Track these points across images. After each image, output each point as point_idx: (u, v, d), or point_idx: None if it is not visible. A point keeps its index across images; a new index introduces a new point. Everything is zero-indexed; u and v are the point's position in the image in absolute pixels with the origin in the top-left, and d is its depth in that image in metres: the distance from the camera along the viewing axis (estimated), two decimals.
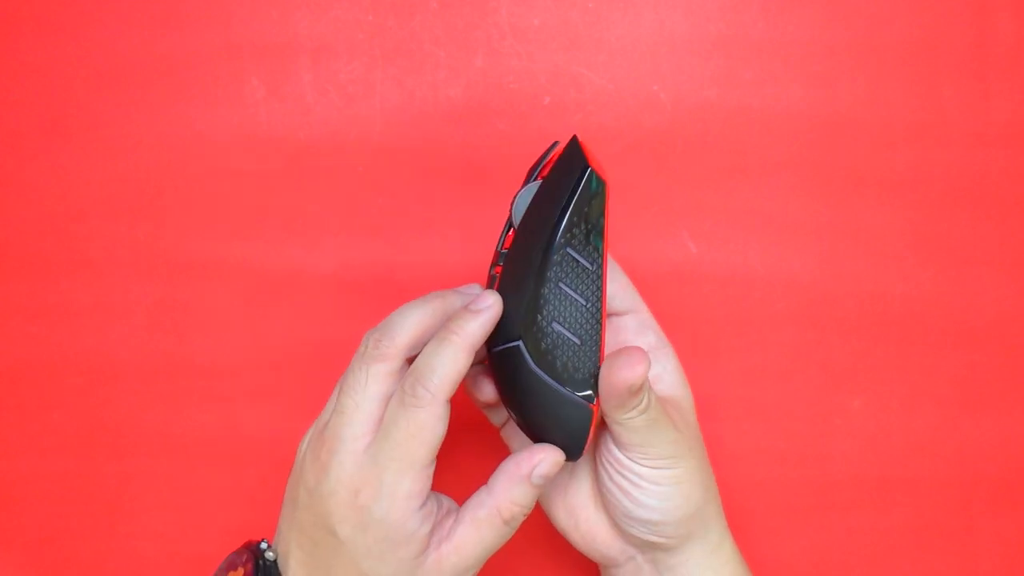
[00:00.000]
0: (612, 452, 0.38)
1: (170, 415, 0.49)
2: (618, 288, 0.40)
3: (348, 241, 0.49)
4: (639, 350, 0.35)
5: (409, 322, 0.36)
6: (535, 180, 0.37)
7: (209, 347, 0.49)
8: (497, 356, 0.37)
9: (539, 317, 0.35)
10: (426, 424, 0.34)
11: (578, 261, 0.36)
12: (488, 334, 0.36)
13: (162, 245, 0.49)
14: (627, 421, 0.36)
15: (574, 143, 0.37)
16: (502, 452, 0.40)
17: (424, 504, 0.35)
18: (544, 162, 0.38)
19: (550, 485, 0.41)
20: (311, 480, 0.36)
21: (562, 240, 0.35)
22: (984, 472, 0.49)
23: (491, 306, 0.35)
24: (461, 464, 0.44)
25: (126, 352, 0.49)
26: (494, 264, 0.38)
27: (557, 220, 0.35)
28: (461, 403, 0.42)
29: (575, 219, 0.35)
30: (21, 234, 0.50)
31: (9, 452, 0.50)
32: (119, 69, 0.49)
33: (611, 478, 0.38)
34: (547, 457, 0.36)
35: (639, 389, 0.35)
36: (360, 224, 0.49)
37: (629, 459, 0.37)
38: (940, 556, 0.49)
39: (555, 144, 0.38)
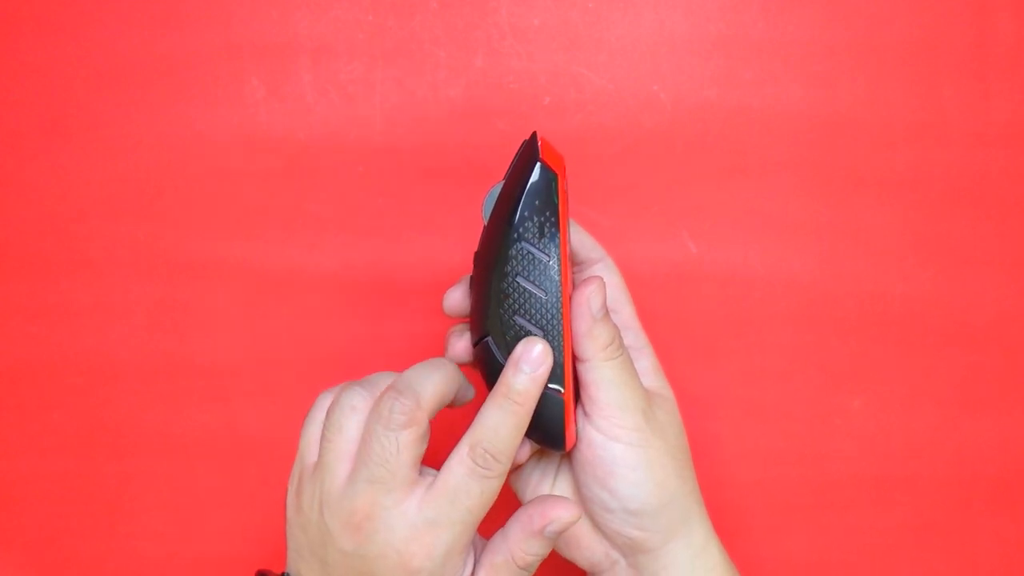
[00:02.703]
0: (587, 437, 0.38)
1: (170, 415, 0.49)
2: (609, 288, 0.40)
3: (348, 241, 0.49)
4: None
5: (433, 384, 0.36)
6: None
7: (209, 347, 0.49)
8: (476, 352, 0.38)
9: (501, 311, 0.36)
10: (496, 491, 0.35)
11: (533, 255, 0.36)
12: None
13: (162, 245, 0.49)
14: (602, 364, 0.37)
15: (532, 139, 0.37)
16: None
17: (468, 552, 0.36)
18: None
19: (534, 491, 0.42)
20: (347, 544, 0.35)
21: (515, 235, 0.36)
22: (984, 472, 0.49)
23: (544, 361, 0.36)
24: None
25: (126, 352, 0.49)
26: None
27: (510, 216, 0.36)
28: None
29: (527, 213, 0.36)
30: (21, 234, 0.50)
31: (9, 452, 0.50)
32: (119, 69, 0.49)
33: (586, 470, 0.38)
34: (560, 516, 0.36)
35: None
36: (360, 224, 0.49)
37: (602, 435, 0.37)
38: (939, 556, 0.49)
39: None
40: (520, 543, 0.36)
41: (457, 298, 0.39)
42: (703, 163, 0.49)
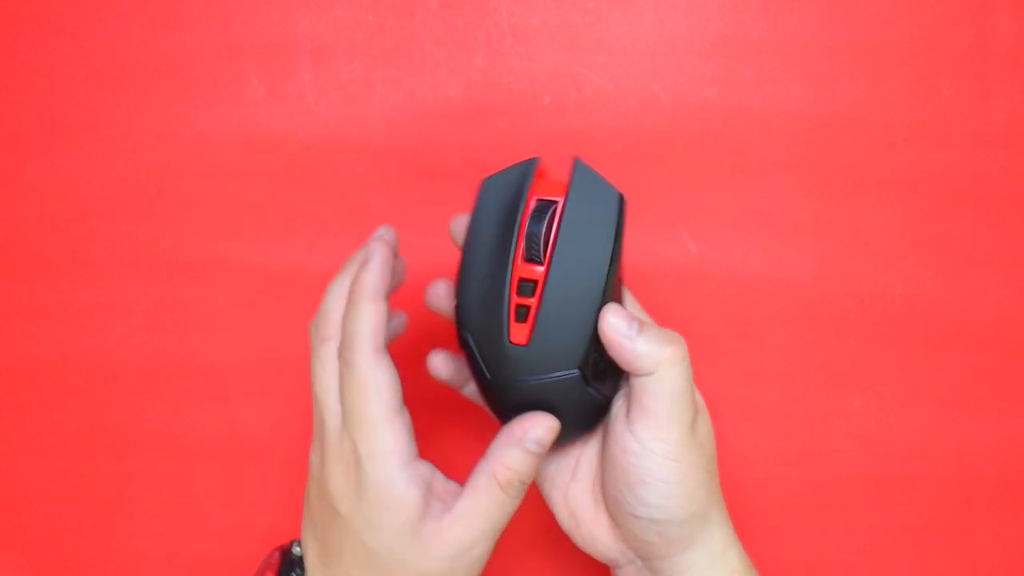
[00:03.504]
0: (623, 442, 0.37)
1: (170, 415, 0.49)
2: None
3: (348, 241, 0.49)
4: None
5: (337, 300, 0.36)
6: (533, 199, 0.37)
7: (209, 347, 0.49)
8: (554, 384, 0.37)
9: (593, 350, 0.36)
10: (364, 381, 0.34)
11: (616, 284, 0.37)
12: (384, 278, 0.36)
13: (162, 245, 0.49)
14: (657, 377, 0.36)
15: (584, 169, 0.37)
16: None
17: (408, 465, 0.35)
18: (526, 182, 0.37)
19: (551, 482, 0.41)
20: (316, 469, 0.37)
21: (612, 272, 0.36)
22: (984, 472, 0.49)
23: (374, 251, 0.36)
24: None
25: (126, 352, 0.49)
26: (522, 293, 0.37)
27: (610, 257, 0.36)
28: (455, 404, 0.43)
29: (617, 248, 0.36)
30: (21, 234, 0.50)
31: (9, 452, 0.50)
32: (119, 69, 0.49)
33: (616, 474, 0.38)
34: (539, 422, 0.36)
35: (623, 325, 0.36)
36: (360, 224, 0.49)
37: (639, 444, 0.37)
38: (940, 556, 0.49)
39: (533, 161, 0.38)
40: (499, 455, 0.36)
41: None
42: (703, 163, 0.49)
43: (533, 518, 0.47)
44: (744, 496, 0.49)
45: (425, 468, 0.36)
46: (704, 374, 0.49)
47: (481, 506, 0.35)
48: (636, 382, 0.37)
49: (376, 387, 0.35)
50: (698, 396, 0.40)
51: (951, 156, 0.49)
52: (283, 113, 0.49)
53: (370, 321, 0.35)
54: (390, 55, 0.49)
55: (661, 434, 0.36)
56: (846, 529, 0.49)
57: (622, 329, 0.36)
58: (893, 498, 0.49)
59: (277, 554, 0.39)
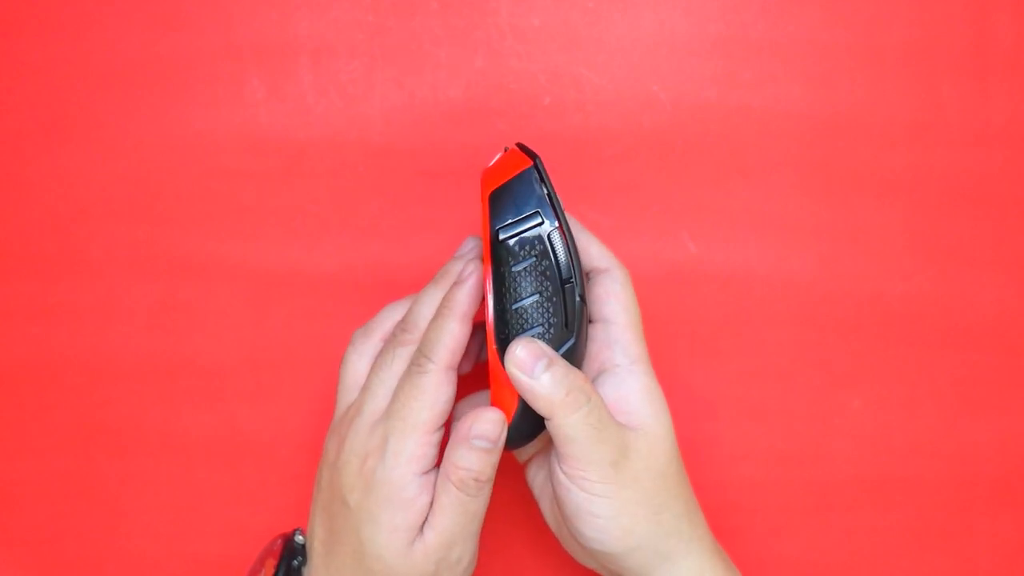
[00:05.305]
0: (556, 476, 0.37)
1: (170, 415, 0.49)
2: (608, 296, 0.39)
3: (348, 241, 0.49)
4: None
5: (428, 309, 0.38)
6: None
7: (209, 347, 0.49)
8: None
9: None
10: (427, 388, 0.36)
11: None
12: (476, 300, 0.37)
13: (162, 245, 0.49)
14: (561, 423, 0.36)
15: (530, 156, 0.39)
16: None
17: (427, 473, 0.36)
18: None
19: (540, 492, 0.42)
20: (332, 455, 0.37)
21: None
22: (984, 472, 0.49)
23: (471, 273, 0.37)
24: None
25: (126, 352, 0.49)
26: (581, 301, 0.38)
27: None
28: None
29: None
30: (21, 234, 0.50)
31: (9, 452, 0.50)
32: (119, 69, 0.49)
33: (558, 507, 0.38)
34: (483, 415, 0.36)
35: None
36: (360, 224, 0.49)
37: (567, 478, 0.36)
38: (940, 556, 0.49)
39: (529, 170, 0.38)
40: (449, 455, 0.36)
41: None
42: (703, 163, 0.49)
43: (535, 515, 0.47)
44: (744, 496, 0.49)
45: (437, 478, 0.36)
46: (704, 374, 0.49)
47: (441, 505, 0.36)
48: (547, 423, 0.36)
49: (436, 398, 0.36)
50: (652, 418, 0.38)
51: (951, 156, 0.49)
52: (283, 113, 0.49)
53: (454, 338, 0.36)
54: (390, 55, 0.49)
55: (581, 472, 0.36)
56: (846, 529, 0.49)
57: (526, 366, 0.36)
58: (893, 498, 0.49)
59: (280, 541, 0.39)
